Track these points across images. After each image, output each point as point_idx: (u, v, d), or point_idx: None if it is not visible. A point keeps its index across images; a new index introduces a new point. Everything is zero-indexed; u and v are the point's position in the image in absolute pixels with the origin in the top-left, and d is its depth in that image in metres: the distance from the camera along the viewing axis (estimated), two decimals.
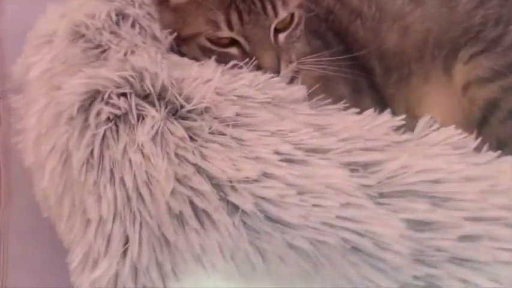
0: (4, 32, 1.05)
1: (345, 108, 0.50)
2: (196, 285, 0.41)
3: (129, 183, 0.45)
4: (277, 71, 0.56)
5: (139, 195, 0.45)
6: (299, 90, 0.51)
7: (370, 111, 0.48)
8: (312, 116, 0.47)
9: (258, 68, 0.56)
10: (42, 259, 0.68)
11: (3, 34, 1.04)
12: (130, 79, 0.49)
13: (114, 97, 0.49)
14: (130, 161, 0.46)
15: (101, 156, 0.48)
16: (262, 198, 0.40)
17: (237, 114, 0.46)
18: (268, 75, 0.51)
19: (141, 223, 0.44)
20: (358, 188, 0.40)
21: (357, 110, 0.50)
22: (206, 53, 0.59)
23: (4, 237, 0.70)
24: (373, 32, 0.72)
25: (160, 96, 0.49)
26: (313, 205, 0.39)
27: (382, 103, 0.69)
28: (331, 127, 0.45)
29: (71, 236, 0.50)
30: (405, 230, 0.37)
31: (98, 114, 0.49)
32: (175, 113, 0.49)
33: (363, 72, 0.71)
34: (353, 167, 0.41)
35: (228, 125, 0.46)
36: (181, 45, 0.61)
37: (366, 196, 0.39)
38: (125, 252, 0.45)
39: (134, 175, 0.46)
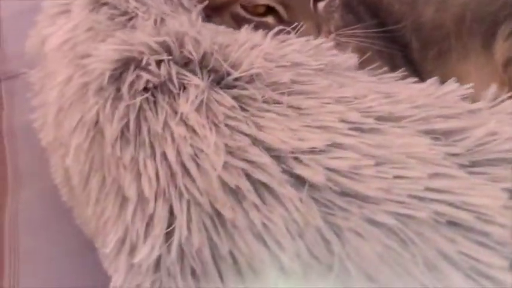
0: (2, 11, 1.00)
1: (403, 77, 0.45)
2: (257, 268, 0.36)
3: (172, 157, 0.41)
4: None
5: (185, 170, 0.40)
6: (351, 58, 0.46)
7: (433, 79, 0.44)
8: (373, 84, 0.43)
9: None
10: (58, 252, 0.63)
11: (2, 14, 0.99)
12: (170, 44, 0.44)
13: (152, 64, 0.44)
14: (172, 133, 0.42)
15: (138, 129, 0.43)
16: (333, 170, 0.36)
17: (292, 82, 0.42)
18: (319, 41, 0.46)
19: (188, 201, 0.40)
20: (445, 157, 0.36)
21: (415, 79, 0.46)
22: (240, 23, 0.54)
23: (13, 229, 0.65)
24: (409, 5, 0.68)
25: (202, 64, 0.45)
26: (395, 177, 0.35)
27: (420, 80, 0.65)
28: (396, 95, 0.41)
29: (102, 218, 0.45)
30: (508, 201, 0.33)
31: (133, 83, 0.44)
32: (220, 82, 0.44)
33: (399, 47, 0.67)
34: (433, 135, 0.37)
35: (282, 93, 0.41)
36: (212, 15, 0.57)
37: (455, 165, 0.35)
38: (169, 234, 0.40)
39: (177, 149, 0.41)
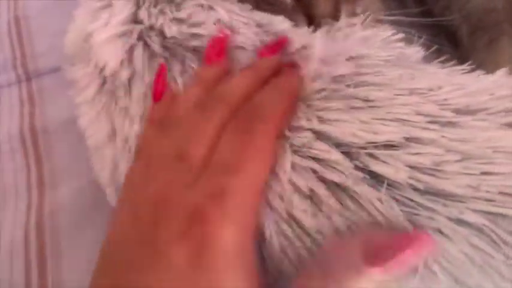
0: (29, 10, 0.99)
1: (471, 70, 0.43)
2: None
3: None
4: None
5: None
6: (418, 52, 0.44)
7: (502, 71, 0.42)
8: (444, 75, 0.40)
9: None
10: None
11: (29, 12, 0.98)
12: None
13: None
14: None
15: None
16: (413, 166, 0.34)
17: (355, 74, 0.39)
18: (387, 33, 0.43)
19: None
20: None
21: (483, 71, 0.43)
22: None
23: (54, 230, 0.63)
24: None
25: None
26: (483, 173, 0.32)
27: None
28: (468, 87, 0.39)
29: None
30: None
31: None
32: None
33: (447, 34, 0.64)
34: None
35: (348, 86, 0.39)
36: None
37: None
38: None
39: None
